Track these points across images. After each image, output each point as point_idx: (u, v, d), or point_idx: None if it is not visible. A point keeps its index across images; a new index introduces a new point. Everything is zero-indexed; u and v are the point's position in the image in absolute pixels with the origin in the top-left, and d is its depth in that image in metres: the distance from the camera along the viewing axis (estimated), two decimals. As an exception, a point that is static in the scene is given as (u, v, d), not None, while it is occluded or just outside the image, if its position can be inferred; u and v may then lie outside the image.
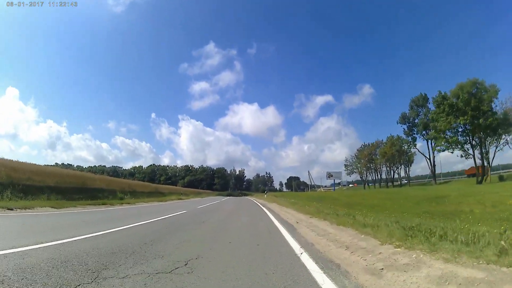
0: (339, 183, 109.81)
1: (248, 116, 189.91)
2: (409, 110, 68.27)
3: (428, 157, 65.53)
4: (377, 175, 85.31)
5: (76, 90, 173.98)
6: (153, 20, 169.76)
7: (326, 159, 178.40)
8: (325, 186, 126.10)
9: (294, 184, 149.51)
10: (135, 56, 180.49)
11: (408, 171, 74.74)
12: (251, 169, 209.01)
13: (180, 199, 39.53)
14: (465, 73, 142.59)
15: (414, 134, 67.45)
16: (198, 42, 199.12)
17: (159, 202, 27.50)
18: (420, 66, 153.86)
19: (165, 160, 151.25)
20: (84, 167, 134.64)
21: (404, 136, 69.41)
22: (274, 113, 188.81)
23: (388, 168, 77.79)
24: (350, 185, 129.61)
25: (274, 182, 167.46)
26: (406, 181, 77.63)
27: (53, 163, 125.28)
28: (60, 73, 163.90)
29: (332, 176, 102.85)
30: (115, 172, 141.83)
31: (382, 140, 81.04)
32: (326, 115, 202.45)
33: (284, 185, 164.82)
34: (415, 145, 68.91)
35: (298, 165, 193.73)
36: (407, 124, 68.52)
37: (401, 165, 74.47)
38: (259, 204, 25.62)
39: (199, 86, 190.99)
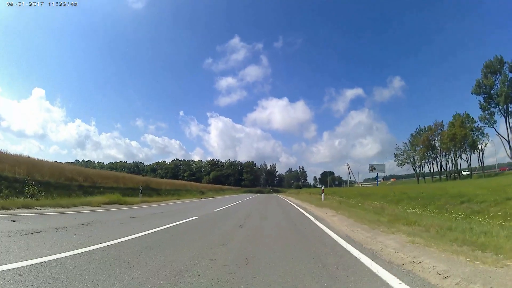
0: (375, 178, 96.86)
1: (277, 111, 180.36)
2: (482, 78, 53.08)
3: (507, 139, 50.42)
4: (437, 165, 69.72)
5: (102, 88, 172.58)
6: (175, 15, 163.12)
7: (357, 155, 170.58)
8: (361, 182, 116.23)
9: (330, 179, 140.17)
10: (158, 53, 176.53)
11: (482, 158, 58.33)
12: (282, 165, 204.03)
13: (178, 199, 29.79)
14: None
15: (492, 108, 52.12)
16: (223, 37, 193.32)
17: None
18: (453, 57, 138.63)
19: (196, 158, 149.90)
20: (104, 163, 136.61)
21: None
22: (304, 108, 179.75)
23: (454, 156, 62.34)
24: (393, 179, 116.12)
25: (307, 177, 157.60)
26: (471, 172, 61.75)
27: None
28: (85, 72, 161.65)
29: (375, 169, 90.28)
30: (137, 168, 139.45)
31: (442, 121, 66.18)
32: (356, 109, 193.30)
33: (318, 181, 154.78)
34: (495, 122, 53.17)
35: (329, 161, 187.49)
36: (483, 95, 52.99)
37: (471, 151, 58.73)
38: (309, 217, 14.77)
39: (225, 82, 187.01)
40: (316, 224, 9.16)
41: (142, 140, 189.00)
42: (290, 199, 30.15)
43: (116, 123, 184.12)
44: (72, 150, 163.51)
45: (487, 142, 56.32)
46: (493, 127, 53.74)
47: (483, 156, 58.28)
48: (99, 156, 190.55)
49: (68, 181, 20.69)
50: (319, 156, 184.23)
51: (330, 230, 7.72)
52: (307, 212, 13.44)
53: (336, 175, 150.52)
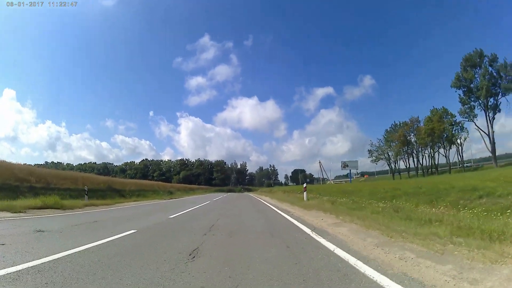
0: (346, 175, 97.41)
1: (247, 111, 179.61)
2: (461, 72, 52.05)
3: (487, 133, 49.64)
4: (413, 161, 68.88)
5: (72, 89, 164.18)
6: (144, 13, 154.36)
7: (328, 152, 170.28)
8: (332, 179, 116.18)
9: (301, 176, 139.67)
10: (127, 52, 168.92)
11: (462, 152, 57.81)
12: (252, 164, 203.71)
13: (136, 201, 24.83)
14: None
15: (472, 102, 51.26)
16: (193, 35, 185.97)
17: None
18: (424, 55, 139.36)
19: (166, 158, 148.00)
20: (74, 165, 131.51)
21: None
22: (274, 107, 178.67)
23: (432, 151, 61.28)
24: (361, 177, 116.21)
25: (278, 176, 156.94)
26: (450, 167, 61.09)
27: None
28: (56, 73, 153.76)
29: (347, 166, 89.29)
30: (106, 168, 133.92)
31: (418, 117, 65.18)
32: (327, 108, 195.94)
33: (289, 179, 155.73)
34: (475, 116, 52.16)
35: (299, 159, 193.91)
36: (463, 89, 51.88)
37: (449, 146, 57.72)
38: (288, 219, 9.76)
39: (195, 81, 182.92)
40: (325, 247, 4.81)
41: (113, 141, 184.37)
42: (265, 199, 25.37)
43: (86, 124, 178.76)
44: (43, 152, 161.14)
45: (466, 136, 55.94)
46: (473, 121, 53.00)
47: (463, 150, 57.83)
48: (70, 158, 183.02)
49: (19, 182, 18.75)
50: (289, 155, 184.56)
51: (369, 266, 3.58)
52: (294, 219, 9.01)
53: (307, 172, 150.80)
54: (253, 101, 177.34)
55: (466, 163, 63.31)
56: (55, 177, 22.85)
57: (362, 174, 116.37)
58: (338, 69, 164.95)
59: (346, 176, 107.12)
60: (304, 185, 19.86)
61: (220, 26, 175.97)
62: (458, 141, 56.51)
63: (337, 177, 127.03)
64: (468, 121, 53.60)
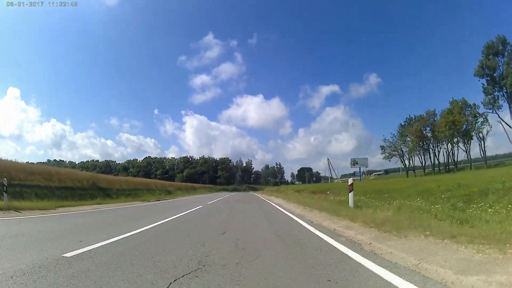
0: (353, 173, 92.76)
1: (252, 109, 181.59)
2: (484, 60, 47.23)
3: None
4: (429, 157, 63.99)
5: (76, 88, 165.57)
6: (148, 11, 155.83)
7: (333, 151, 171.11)
8: (339, 177, 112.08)
9: (307, 175, 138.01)
10: (131, 50, 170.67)
11: (484, 146, 51.99)
12: (258, 162, 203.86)
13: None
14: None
15: (496, 92, 46.47)
16: (197, 34, 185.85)
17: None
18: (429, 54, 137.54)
19: (170, 156, 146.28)
20: (76, 163, 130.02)
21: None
22: (279, 105, 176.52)
23: (451, 145, 56.10)
24: (373, 174, 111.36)
25: (284, 174, 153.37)
26: (471, 163, 56.09)
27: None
28: (60, 71, 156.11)
29: (357, 163, 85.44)
30: (108, 166, 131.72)
31: (434, 110, 60.34)
32: (332, 105, 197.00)
33: (295, 177, 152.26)
34: (500, 107, 47.33)
35: (305, 157, 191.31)
36: (486, 78, 47.04)
37: (470, 140, 52.75)
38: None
39: (200, 80, 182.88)
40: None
41: (117, 139, 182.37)
42: (277, 202, 18.83)
43: (91, 122, 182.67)
44: (48, 150, 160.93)
45: (488, 129, 50.55)
46: (496, 113, 48.35)
47: (485, 145, 52.27)
48: (75, 156, 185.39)
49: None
50: (295, 153, 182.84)
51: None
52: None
53: (313, 171, 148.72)
54: (258, 99, 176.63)
55: (491, 159, 58.12)
56: (22, 172, 19.05)
57: (369, 172, 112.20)
58: (344, 66, 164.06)
59: (353, 174, 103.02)
60: (350, 181, 11.43)
61: (224, 24, 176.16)
62: (480, 134, 51.61)
63: (343, 176, 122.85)
64: (492, 112, 48.80)
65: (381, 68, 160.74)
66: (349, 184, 11.02)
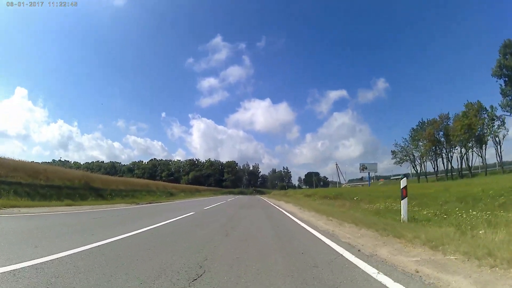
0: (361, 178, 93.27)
1: (260, 113, 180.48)
2: (501, 59, 44.70)
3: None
4: (443, 162, 61.23)
5: (84, 89, 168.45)
6: (156, 13, 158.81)
7: (341, 156, 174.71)
8: (346, 182, 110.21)
9: (315, 179, 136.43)
10: (139, 52, 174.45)
11: (501, 151, 49.21)
12: (264, 166, 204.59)
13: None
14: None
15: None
16: (205, 36, 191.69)
17: None
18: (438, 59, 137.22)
19: (177, 159, 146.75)
20: (81, 163, 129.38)
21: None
22: (287, 109, 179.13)
23: (466, 150, 53.41)
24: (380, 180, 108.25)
25: (292, 178, 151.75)
26: (486, 169, 53.11)
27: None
28: (67, 72, 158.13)
29: (366, 168, 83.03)
30: (113, 168, 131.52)
31: (448, 113, 57.62)
32: (340, 111, 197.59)
33: (302, 181, 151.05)
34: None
35: (312, 162, 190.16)
36: (504, 79, 44.52)
37: (485, 145, 49.99)
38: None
39: (207, 83, 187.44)
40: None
41: (124, 141, 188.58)
42: (289, 210, 15.52)
43: (98, 123, 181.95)
44: (54, 151, 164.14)
45: (505, 133, 48.09)
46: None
47: (501, 150, 49.41)
48: (81, 158, 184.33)
49: None
50: (302, 158, 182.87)
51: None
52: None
53: (321, 175, 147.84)
54: (265, 103, 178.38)
55: (506, 164, 55.17)
56: (2, 167, 17.79)
57: (378, 177, 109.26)
58: (352, 71, 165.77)
59: (361, 179, 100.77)
60: (403, 183, 7.71)
61: (232, 27, 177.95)
62: (496, 138, 48.84)
63: (350, 181, 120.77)
64: (510, 115, 46.19)
65: (389, 72, 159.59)
66: (401, 187, 7.67)
